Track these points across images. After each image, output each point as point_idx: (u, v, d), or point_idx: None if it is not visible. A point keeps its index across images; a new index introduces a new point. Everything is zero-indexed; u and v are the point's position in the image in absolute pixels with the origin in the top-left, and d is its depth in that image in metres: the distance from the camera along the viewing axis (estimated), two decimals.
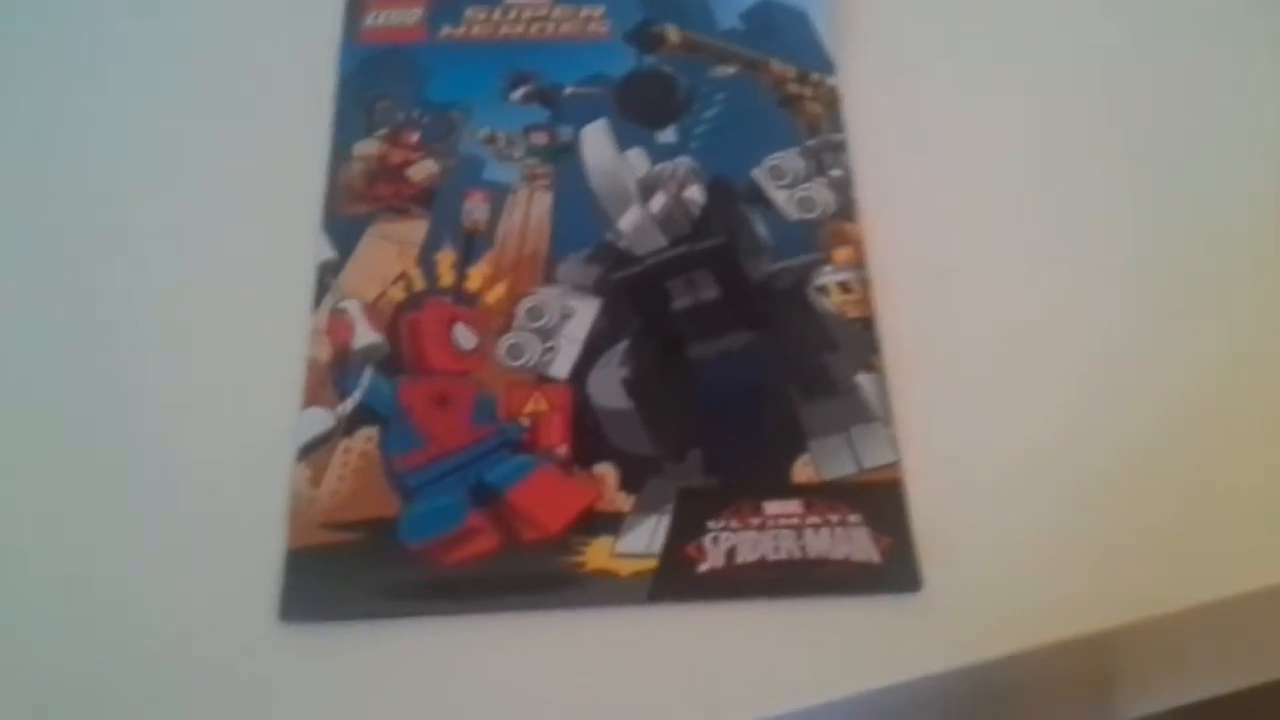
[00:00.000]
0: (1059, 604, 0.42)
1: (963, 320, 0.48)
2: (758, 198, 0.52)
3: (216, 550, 0.45)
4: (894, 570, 0.43)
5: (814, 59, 0.56)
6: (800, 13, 0.57)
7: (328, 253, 0.51)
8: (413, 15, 0.58)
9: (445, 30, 0.57)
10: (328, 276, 0.50)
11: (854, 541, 0.43)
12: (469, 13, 0.58)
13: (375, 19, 0.58)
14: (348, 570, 0.44)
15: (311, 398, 0.47)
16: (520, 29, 0.57)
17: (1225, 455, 0.45)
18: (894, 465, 0.45)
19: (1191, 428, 0.46)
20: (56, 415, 0.48)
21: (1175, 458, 0.45)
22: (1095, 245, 0.51)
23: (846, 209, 0.51)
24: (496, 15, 0.58)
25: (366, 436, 0.46)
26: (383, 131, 0.54)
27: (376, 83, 0.56)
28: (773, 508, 0.44)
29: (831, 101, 0.54)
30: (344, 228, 0.52)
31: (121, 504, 0.46)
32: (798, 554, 0.43)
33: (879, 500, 0.44)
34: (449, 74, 0.56)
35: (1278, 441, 0.46)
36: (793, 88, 0.55)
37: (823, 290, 0.49)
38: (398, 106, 0.55)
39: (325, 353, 0.48)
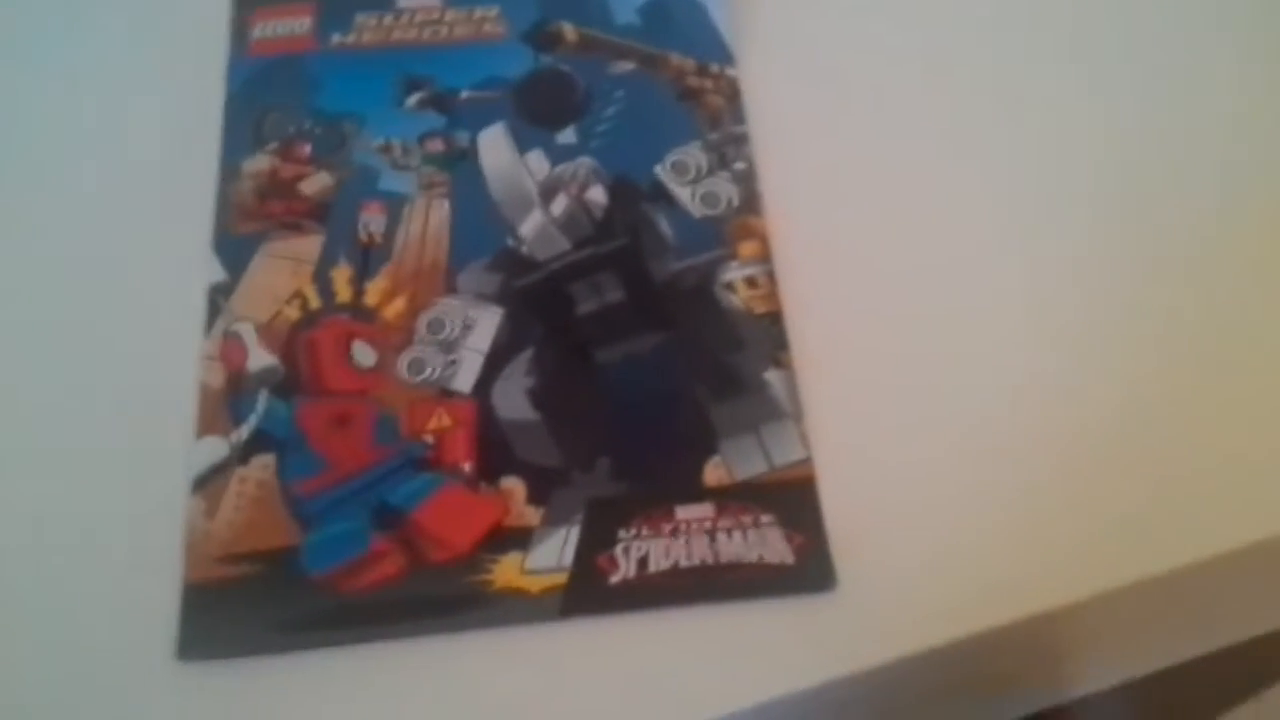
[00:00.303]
0: (975, 597, 0.42)
1: (871, 312, 0.48)
2: (661, 195, 0.51)
3: (110, 587, 0.43)
4: (808, 570, 0.42)
5: (713, 50, 0.55)
6: (698, 4, 0.56)
7: (218, 274, 0.49)
8: (301, 25, 0.56)
9: (335, 39, 0.55)
10: (219, 299, 0.49)
11: (767, 542, 0.42)
12: (359, 19, 0.56)
13: (263, 30, 0.56)
14: (247, 604, 0.42)
15: (205, 426, 0.46)
16: (413, 34, 0.56)
17: (1135, 445, 0.45)
18: (805, 462, 0.44)
19: (1100, 419, 0.45)
20: None
21: (1085, 450, 0.45)
22: (1004, 234, 0.50)
23: (751, 202, 0.50)
24: (388, 21, 0.56)
25: (263, 464, 0.45)
26: (273, 145, 0.53)
27: (265, 95, 0.54)
28: (684, 512, 0.43)
29: (733, 93, 0.53)
30: (235, 247, 0.50)
31: (9, 540, 0.44)
32: (710, 559, 0.42)
33: (791, 499, 0.43)
34: (340, 83, 0.54)
35: (1186, 419, 0.45)
36: (693, 81, 0.54)
37: (729, 287, 0.48)
38: (288, 119, 0.53)
39: (218, 379, 0.47)
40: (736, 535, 0.42)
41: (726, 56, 0.55)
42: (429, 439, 0.45)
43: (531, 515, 0.43)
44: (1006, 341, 0.47)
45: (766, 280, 0.48)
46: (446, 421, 0.46)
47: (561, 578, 0.42)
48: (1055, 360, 0.47)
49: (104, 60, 0.56)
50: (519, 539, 0.43)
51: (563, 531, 0.43)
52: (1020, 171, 0.51)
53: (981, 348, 0.47)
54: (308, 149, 0.53)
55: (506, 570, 0.42)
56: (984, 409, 0.45)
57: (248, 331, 0.48)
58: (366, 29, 0.56)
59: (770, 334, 0.47)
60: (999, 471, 0.44)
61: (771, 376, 0.46)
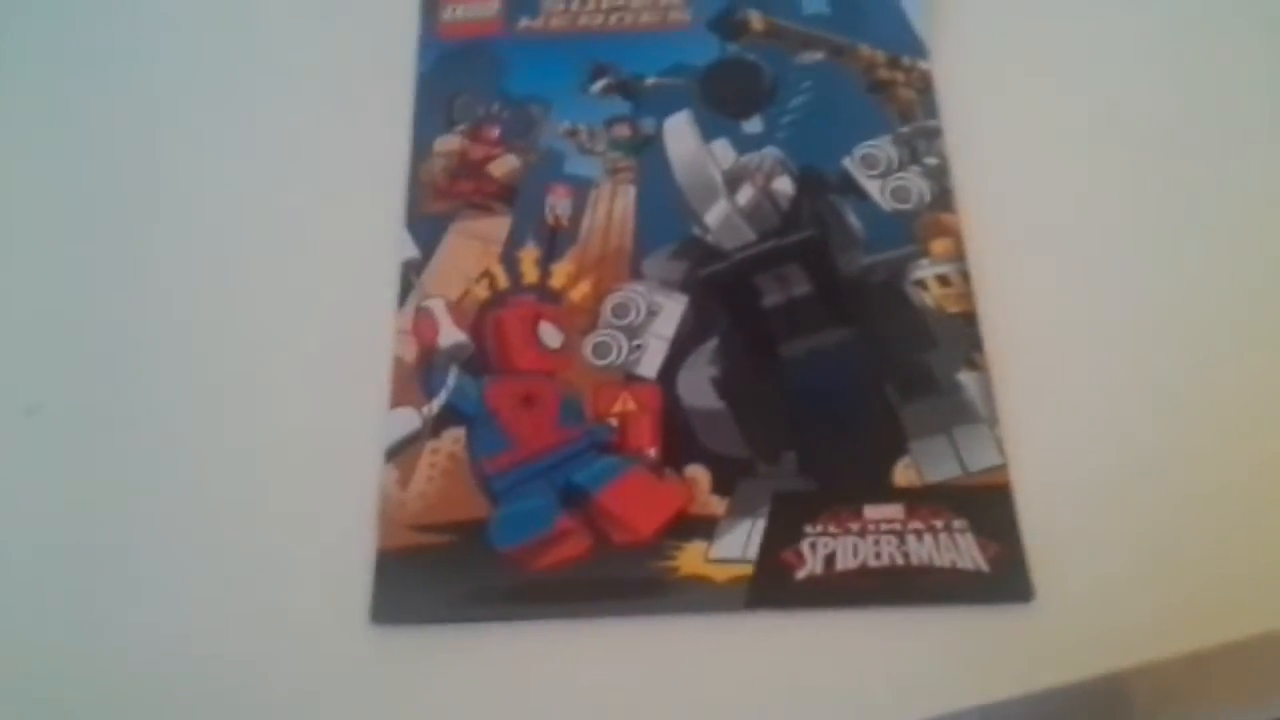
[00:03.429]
0: (1178, 616, 0.40)
1: (1070, 314, 0.46)
2: (849, 188, 0.50)
3: (307, 552, 0.44)
4: (1003, 579, 0.41)
5: (904, 43, 0.54)
6: None
7: (411, 251, 0.50)
8: (490, 8, 0.57)
9: (523, 22, 0.56)
10: (411, 275, 0.50)
11: (960, 548, 0.42)
12: (547, 4, 0.57)
13: (453, 13, 0.57)
14: (438, 573, 0.43)
15: (398, 398, 0.47)
16: (599, 19, 0.56)
17: None
18: (1001, 468, 0.43)
19: None
20: (145, 418, 0.47)
21: None
22: (1213, 233, 0.48)
23: (943, 199, 0.49)
24: (575, 6, 0.56)
25: (453, 438, 0.46)
26: (463, 127, 0.54)
27: (455, 77, 0.55)
28: (873, 512, 0.43)
29: (924, 87, 0.52)
30: (426, 225, 0.51)
31: (212, 507, 0.45)
32: (900, 561, 0.42)
33: (986, 505, 0.42)
34: (528, 67, 0.55)
35: None
36: (883, 73, 0.53)
37: (920, 284, 0.47)
38: (477, 101, 0.54)
39: (411, 352, 0.48)
40: (928, 539, 0.42)
41: (919, 49, 0.54)
42: (613, 422, 0.46)
43: (716, 505, 0.43)
44: (1217, 350, 0.45)
45: (960, 279, 0.47)
46: (631, 406, 0.46)
47: (746, 569, 0.42)
48: (1272, 371, 0.45)
49: (299, 40, 0.57)
50: (703, 528, 0.43)
51: (748, 523, 0.43)
52: (1238, 172, 0.49)
53: (1187, 356, 0.45)
54: (496, 131, 0.53)
55: (691, 558, 0.42)
56: (1188, 422, 0.44)
57: (439, 308, 0.49)
58: (554, 14, 0.56)
59: (964, 334, 0.46)
60: (1205, 486, 0.43)
61: (965, 378, 0.45)
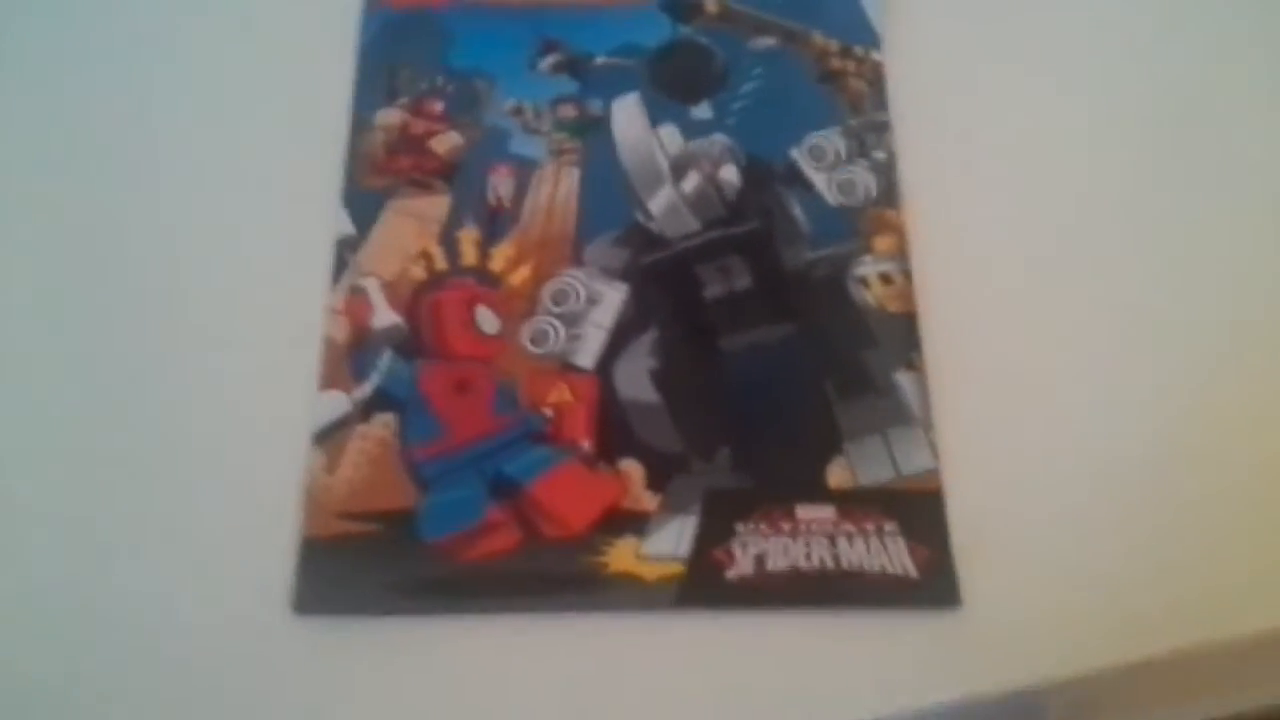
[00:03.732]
0: (1108, 625, 0.41)
1: (1010, 320, 0.46)
2: (796, 179, 0.50)
3: (229, 536, 0.43)
4: (932, 584, 0.41)
5: (858, 32, 0.53)
6: None
7: (347, 227, 0.49)
8: None
9: None
10: (346, 253, 0.48)
11: (890, 552, 0.42)
12: None
13: None
14: (363, 563, 0.42)
15: (328, 380, 0.46)
16: None
17: None
18: (933, 472, 0.43)
19: (1260, 440, 0.44)
20: (66, 397, 0.46)
21: (1239, 471, 0.43)
22: (1155, 239, 0.48)
23: (889, 195, 0.49)
24: None
25: (384, 423, 0.45)
26: (404, 100, 0.52)
27: (399, 48, 0.53)
28: (805, 512, 0.42)
29: (876, 78, 0.52)
30: (364, 201, 0.50)
31: (133, 488, 0.44)
32: (830, 563, 0.41)
33: (917, 509, 0.42)
34: (475, 40, 0.54)
35: None
36: (835, 62, 0.52)
37: (862, 281, 0.47)
38: (420, 74, 0.53)
39: (343, 333, 0.47)
40: (859, 542, 0.42)
41: (872, 39, 0.53)
42: (548, 412, 0.45)
43: (649, 500, 0.43)
44: (1157, 359, 0.45)
45: (902, 278, 0.47)
46: (567, 396, 0.45)
47: (677, 567, 0.42)
48: (1211, 381, 0.45)
49: (237, 5, 0.55)
50: (636, 523, 0.43)
51: (680, 520, 0.43)
52: (1183, 176, 0.49)
53: (1129, 364, 0.45)
54: (440, 106, 0.52)
55: (622, 554, 0.42)
56: (1126, 429, 0.44)
57: (374, 287, 0.48)
58: None
59: (903, 334, 0.46)
60: (1139, 497, 0.43)
61: (902, 379, 0.45)
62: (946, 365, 0.45)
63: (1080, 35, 0.53)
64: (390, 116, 0.52)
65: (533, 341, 0.46)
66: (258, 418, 0.45)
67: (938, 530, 0.42)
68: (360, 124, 0.51)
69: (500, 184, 0.50)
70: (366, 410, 0.45)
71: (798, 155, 0.50)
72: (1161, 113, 0.51)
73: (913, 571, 0.41)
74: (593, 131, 0.51)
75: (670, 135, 0.51)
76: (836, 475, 0.43)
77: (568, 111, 0.52)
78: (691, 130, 0.51)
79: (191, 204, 0.50)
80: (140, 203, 0.50)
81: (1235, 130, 0.51)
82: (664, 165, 0.50)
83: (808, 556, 0.42)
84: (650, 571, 0.42)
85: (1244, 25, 0.53)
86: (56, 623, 0.42)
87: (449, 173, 0.50)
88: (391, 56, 0.53)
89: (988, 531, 0.42)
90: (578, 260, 0.48)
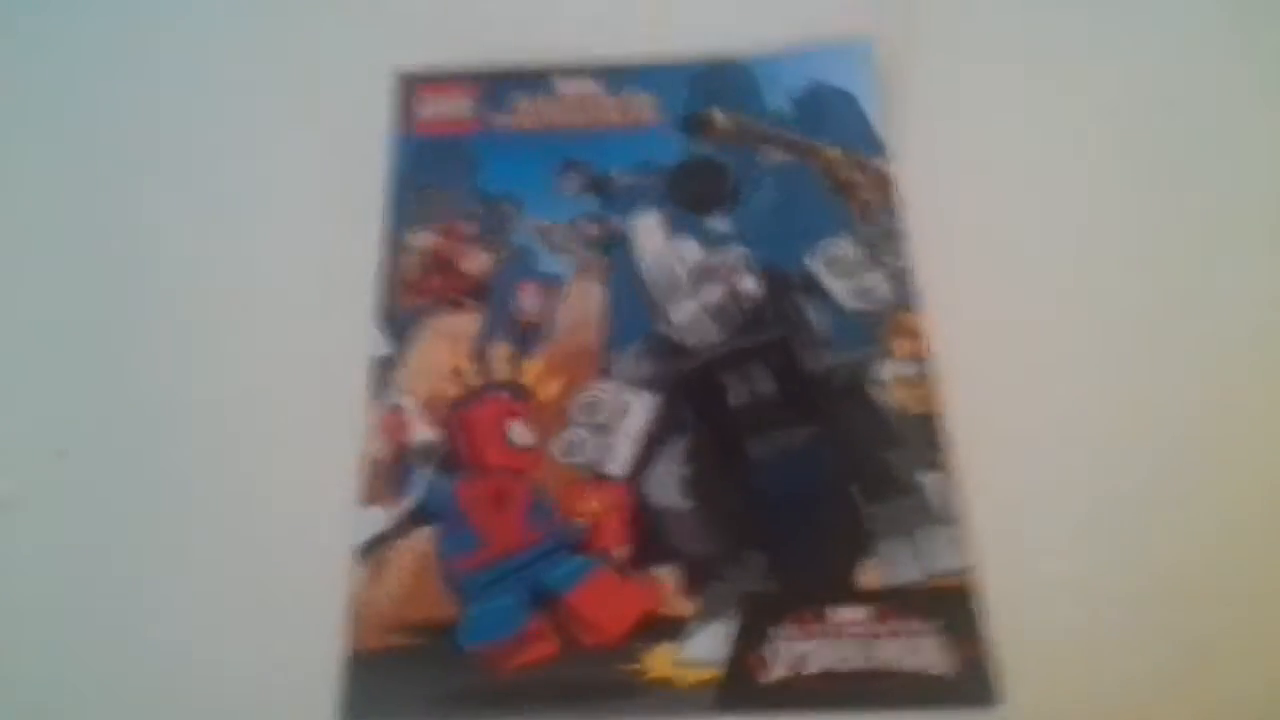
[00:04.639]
0: None
1: (1034, 415, 0.47)
2: (812, 287, 0.51)
3: (277, 649, 0.44)
4: (970, 683, 0.42)
5: (865, 142, 0.55)
6: (849, 95, 0.57)
7: (383, 347, 0.51)
8: (464, 105, 0.58)
9: (496, 119, 0.57)
10: (383, 371, 0.50)
11: (925, 652, 0.42)
12: (519, 102, 0.58)
13: (425, 109, 0.58)
14: (408, 674, 0.43)
15: (369, 496, 0.47)
16: (570, 117, 0.57)
17: None
18: (966, 570, 0.44)
19: None
20: (117, 514, 0.47)
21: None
22: (1176, 333, 0.49)
23: (906, 299, 0.51)
24: (545, 104, 0.58)
25: (424, 537, 0.46)
26: (435, 223, 0.54)
27: (429, 173, 0.56)
28: (838, 615, 0.43)
29: (884, 186, 0.54)
30: (398, 321, 0.52)
31: (183, 603, 0.45)
32: (866, 664, 0.42)
33: (952, 607, 0.43)
34: (500, 164, 0.56)
35: None
36: (845, 173, 0.55)
37: (883, 384, 0.48)
38: (450, 197, 0.55)
39: (382, 450, 0.48)
40: (893, 642, 0.42)
41: (879, 149, 0.55)
42: (583, 521, 0.46)
43: (684, 606, 0.44)
44: (1189, 453, 0.46)
45: (922, 380, 0.48)
46: (600, 505, 0.47)
47: (715, 672, 0.42)
48: (1255, 480, 0.45)
49: (274, 132, 0.58)
50: (671, 629, 0.43)
51: (716, 625, 0.43)
52: (1212, 266, 0.50)
53: (1157, 458, 0.46)
54: (470, 228, 0.54)
55: (659, 660, 0.43)
56: (1167, 524, 0.44)
57: (411, 405, 0.49)
58: (525, 111, 0.58)
59: (926, 435, 0.47)
60: (1183, 594, 0.43)
61: (927, 479, 0.46)
62: (973, 463, 0.46)
63: (1084, 125, 0.55)
64: (422, 239, 0.54)
65: (565, 452, 0.48)
66: (302, 534, 0.47)
67: (974, 628, 0.43)
68: (393, 246, 0.54)
69: (529, 301, 0.52)
70: (407, 525, 0.46)
71: (813, 263, 0.52)
72: (1177, 192, 0.52)
73: (950, 670, 0.42)
74: (615, 248, 0.53)
75: (689, 248, 0.53)
76: (867, 576, 0.44)
77: (590, 229, 0.54)
78: (710, 242, 0.53)
79: (237, 327, 0.52)
80: (184, 322, 0.52)
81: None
82: (684, 277, 0.52)
83: (843, 659, 0.42)
84: (687, 677, 0.42)
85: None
86: None
87: (480, 291, 0.52)
88: (422, 181, 0.55)
89: (1026, 628, 0.42)
90: (606, 371, 0.50)
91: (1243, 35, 0.56)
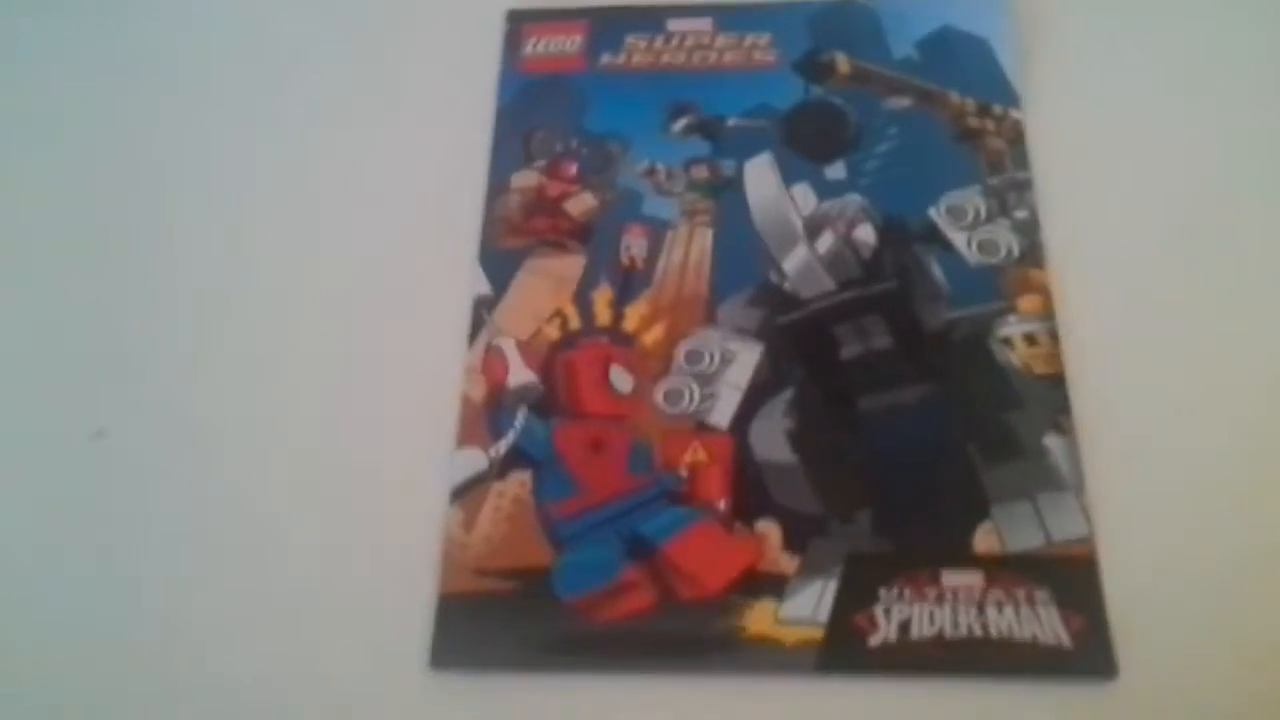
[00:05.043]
0: (1270, 699, 0.38)
1: (1164, 379, 0.45)
2: (934, 239, 0.49)
3: (368, 591, 0.44)
4: (1086, 654, 0.39)
5: (996, 90, 0.52)
6: (981, 40, 0.54)
7: (483, 287, 0.50)
8: (573, 43, 0.56)
9: (605, 59, 0.56)
10: (483, 312, 0.49)
11: (1041, 621, 0.40)
12: (630, 40, 0.56)
13: (535, 47, 0.56)
14: (499, 620, 0.42)
15: (465, 437, 0.46)
16: (682, 58, 0.55)
17: None
18: (1087, 539, 0.41)
19: None
20: (209, 447, 0.47)
21: None
22: None
23: (1032, 254, 0.48)
24: (658, 44, 0.56)
25: (520, 481, 0.45)
26: (540, 163, 0.53)
27: (535, 112, 0.54)
28: (951, 579, 0.41)
29: (1016, 136, 0.51)
30: (500, 261, 0.50)
31: (274, 541, 0.45)
32: (978, 631, 0.40)
33: (1069, 576, 0.41)
34: (608, 104, 0.54)
35: None
36: (973, 121, 0.52)
37: (1006, 342, 0.46)
38: (556, 137, 0.54)
39: (479, 391, 0.47)
40: (1008, 610, 0.40)
41: (1011, 97, 0.52)
42: (683, 472, 0.45)
43: (787, 563, 0.42)
44: None
45: (1048, 339, 0.46)
46: (702, 456, 0.45)
47: (817, 632, 0.41)
48: None
49: (381, 69, 0.57)
50: (773, 586, 0.42)
51: (819, 583, 0.42)
52: None
53: None
54: (574, 168, 0.53)
55: (759, 617, 0.41)
56: None
57: (509, 346, 0.48)
58: (636, 50, 0.56)
59: (1050, 396, 0.44)
60: None
61: (1051, 442, 0.43)
62: (1098, 428, 0.43)
63: (1224, 81, 0.52)
64: (526, 179, 0.53)
65: (667, 401, 0.46)
66: (397, 474, 0.46)
67: (1092, 598, 0.40)
68: (497, 186, 0.52)
69: (634, 244, 0.51)
70: (503, 468, 0.45)
71: (936, 215, 0.49)
72: None
73: (1066, 641, 0.39)
74: (725, 192, 0.51)
75: (804, 195, 0.51)
76: (984, 541, 0.42)
77: (700, 172, 0.52)
78: (825, 190, 0.51)
79: (336, 266, 0.52)
80: (287, 267, 0.52)
81: None
82: (798, 225, 0.50)
83: (955, 624, 0.40)
84: (789, 635, 0.41)
85: None
86: (195, 681, 0.42)
87: (583, 234, 0.51)
88: (527, 121, 0.54)
89: (1144, 600, 0.40)
90: (711, 320, 0.48)
91: None
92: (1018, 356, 0.45)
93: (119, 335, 0.50)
